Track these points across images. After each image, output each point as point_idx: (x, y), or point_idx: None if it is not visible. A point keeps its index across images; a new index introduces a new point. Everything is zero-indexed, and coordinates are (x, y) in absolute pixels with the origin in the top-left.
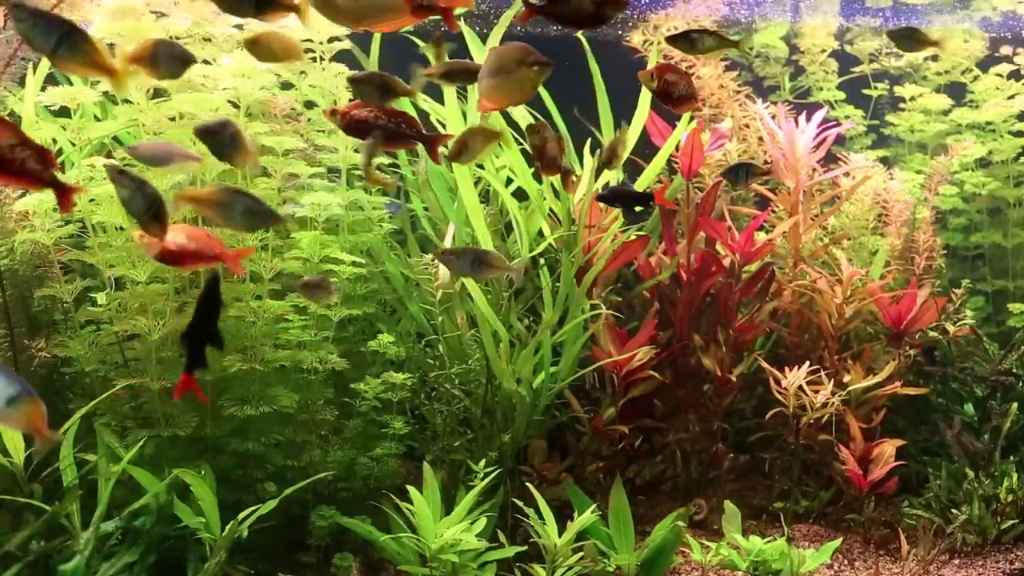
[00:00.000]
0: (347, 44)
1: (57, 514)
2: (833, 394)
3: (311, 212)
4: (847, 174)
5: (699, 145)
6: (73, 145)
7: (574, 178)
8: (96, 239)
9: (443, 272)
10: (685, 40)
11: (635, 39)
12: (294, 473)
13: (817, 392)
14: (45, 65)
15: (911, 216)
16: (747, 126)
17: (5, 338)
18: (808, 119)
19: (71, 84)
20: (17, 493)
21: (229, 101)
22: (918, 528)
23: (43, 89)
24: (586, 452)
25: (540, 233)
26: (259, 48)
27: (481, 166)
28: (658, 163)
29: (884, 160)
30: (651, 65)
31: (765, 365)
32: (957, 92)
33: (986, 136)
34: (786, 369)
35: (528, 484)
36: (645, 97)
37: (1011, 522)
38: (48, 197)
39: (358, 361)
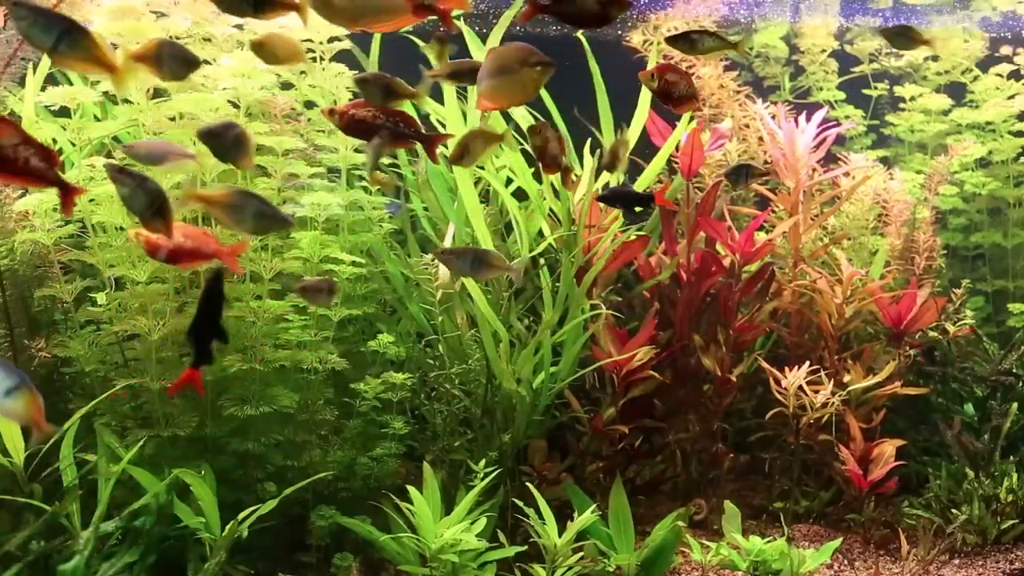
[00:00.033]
0: (347, 44)
1: (57, 514)
2: (833, 394)
3: (311, 212)
4: (847, 174)
5: (699, 145)
6: (73, 145)
7: (574, 177)
8: (96, 239)
9: (443, 272)
10: (685, 41)
11: (635, 39)
12: (294, 473)
13: (817, 392)
14: (45, 65)
15: (911, 216)
16: (747, 126)
17: (5, 338)
18: (808, 119)
19: (71, 84)
20: (17, 493)
21: (229, 101)
22: (918, 528)
23: (43, 89)
24: (586, 452)
25: (540, 233)
26: (264, 51)
27: (481, 166)
28: (658, 163)
29: (884, 160)
30: (651, 65)
31: (765, 365)
32: (957, 92)
33: (986, 136)
34: (786, 369)
35: (528, 484)
36: (645, 97)
37: (1011, 522)
38: (48, 197)
39: (358, 361)
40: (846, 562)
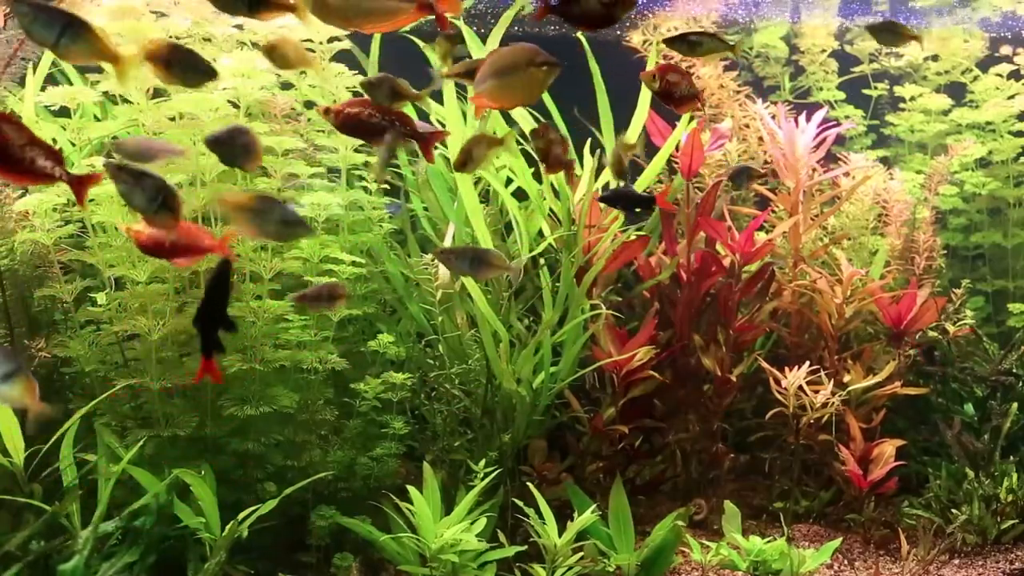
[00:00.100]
0: (347, 44)
1: (57, 514)
2: (833, 394)
3: (311, 212)
4: (847, 174)
5: (699, 145)
6: (73, 145)
7: (576, 174)
8: (96, 239)
9: (443, 272)
10: (683, 43)
11: (635, 39)
12: (294, 473)
13: (817, 392)
14: (45, 65)
15: (911, 216)
16: (747, 126)
17: (5, 338)
18: (808, 119)
19: (71, 84)
20: (17, 493)
21: (229, 101)
22: (918, 528)
23: (43, 89)
24: (586, 452)
25: (540, 233)
26: (275, 55)
27: None
28: (658, 163)
29: (884, 160)
30: (651, 65)
31: (765, 365)
32: (957, 92)
33: (986, 136)
34: (786, 369)
35: (528, 484)
36: (645, 97)
37: (1011, 522)
38: (48, 197)
39: (358, 361)
40: (846, 562)
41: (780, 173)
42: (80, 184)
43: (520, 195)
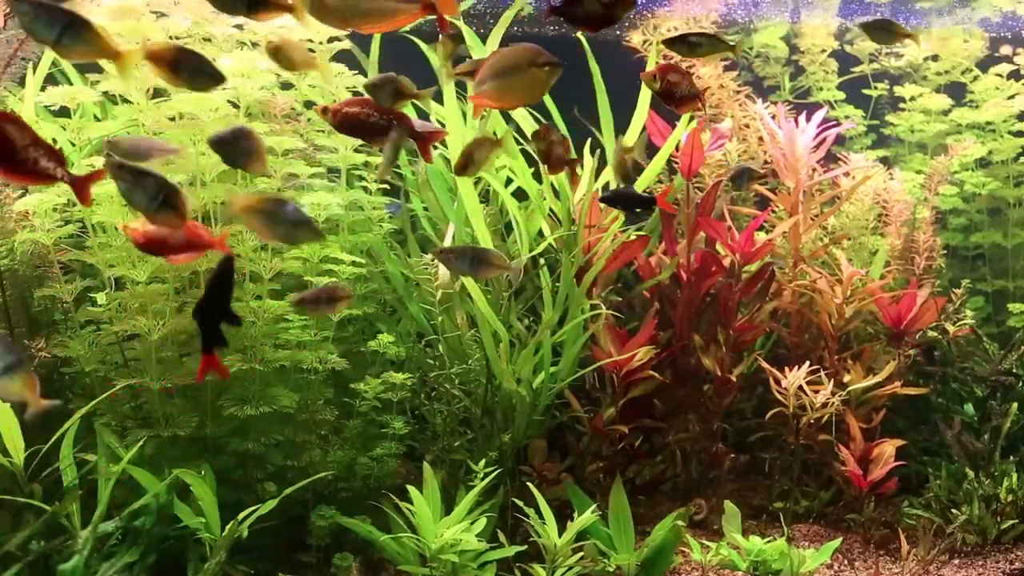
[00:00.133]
0: (347, 44)
1: (57, 514)
2: (833, 394)
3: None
4: (847, 174)
5: (699, 145)
6: (73, 145)
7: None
8: (96, 239)
9: (443, 272)
10: (682, 44)
11: (635, 39)
12: (294, 473)
13: (817, 392)
14: (45, 65)
15: (911, 216)
16: (747, 126)
17: (5, 338)
18: (808, 119)
19: (71, 84)
20: (17, 493)
21: (229, 101)
22: (918, 528)
23: (43, 89)
24: (586, 452)
25: (540, 233)
26: (280, 56)
27: None
28: (658, 163)
29: (884, 160)
30: (650, 65)
31: (765, 365)
32: (957, 92)
33: (986, 136)
34: (786, 369)
35: (528, 484)
36: (645, 97)
37: (1011, 522)
38: (48, 197)
39: (358, 361)
40: (846, 562)
41: (780, 173)
42: (82, 184)
43: (520, 195)
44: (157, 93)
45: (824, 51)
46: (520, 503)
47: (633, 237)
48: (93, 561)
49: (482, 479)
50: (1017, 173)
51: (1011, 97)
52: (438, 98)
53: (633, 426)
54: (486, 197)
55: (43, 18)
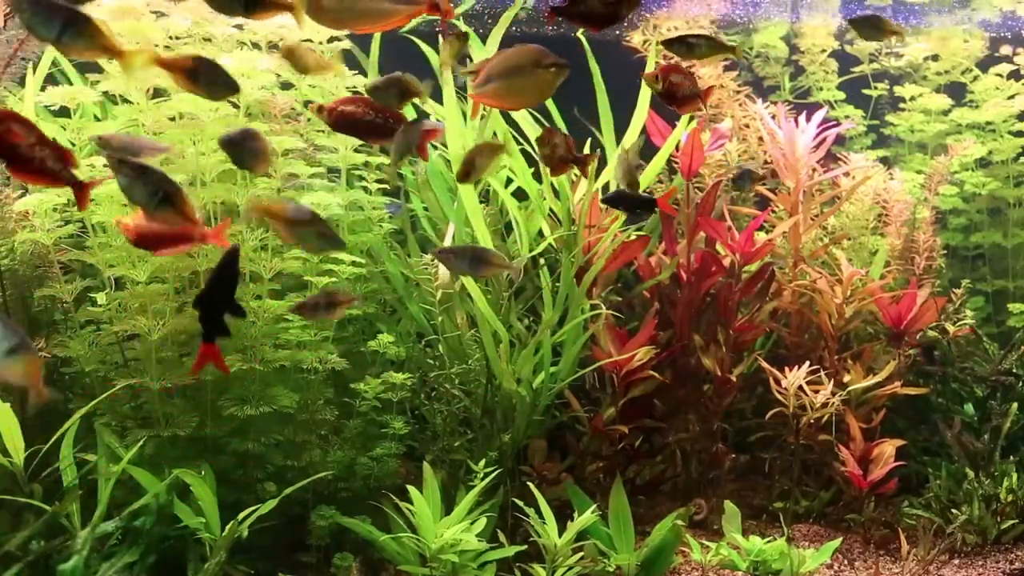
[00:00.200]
0: (347, 44)
1: (57, 514)
2: (833, 394)
3: None
4: (847, 174)
5: (699, 145)
6: (73, 145)
7: (574, 177)
8: (96, 239)
9: (443, 272)
10: (681, 45)
11: (635, 39)
12: (294, 473)
13: (817, 392)
14: (45, 65)
15: (911, 216)
16: (747, 126)
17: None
18: (808, 119)
19: (71, 84)
20: (17, 493)
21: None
22: (918, 528)
23: (43, 89)
24: (586, 452)
25: (540, 233)
26: (294, 59)
27: None
28: (658, 163)
29: (884, 160)
30: (650, 65)
31: (765, 365)
32: (957, 92)
33: (986, 136)
34: (786, 369)
35: (528, 484)
36: (645, 97)
37: (1011, 522)
38: (48, 197)
39: (358, 361)
40: (846, 562)
41: (780, 173)
42: (83, 188)
43: (520, 195)
44: (157, 93)
45: (824, 51)
46: (520, 503)
47: (633, 237)
48: (93, 561)
49: (482, 479)
50: (1017, 173)
51: (1011, 97)
52: (438, 98)
53: (633, 426)
54: (486, 197)
55: (43, 15)
